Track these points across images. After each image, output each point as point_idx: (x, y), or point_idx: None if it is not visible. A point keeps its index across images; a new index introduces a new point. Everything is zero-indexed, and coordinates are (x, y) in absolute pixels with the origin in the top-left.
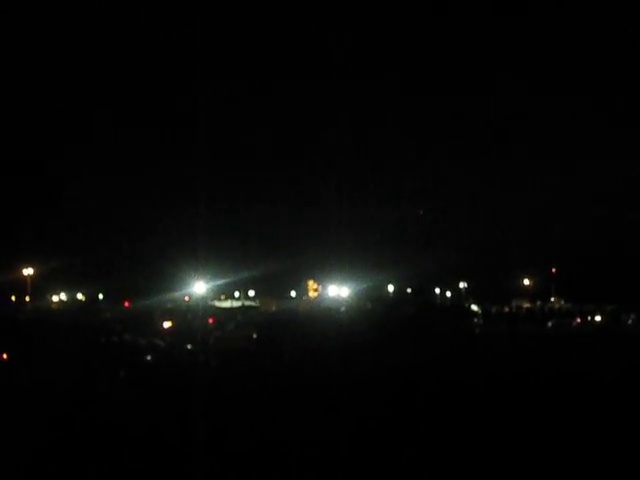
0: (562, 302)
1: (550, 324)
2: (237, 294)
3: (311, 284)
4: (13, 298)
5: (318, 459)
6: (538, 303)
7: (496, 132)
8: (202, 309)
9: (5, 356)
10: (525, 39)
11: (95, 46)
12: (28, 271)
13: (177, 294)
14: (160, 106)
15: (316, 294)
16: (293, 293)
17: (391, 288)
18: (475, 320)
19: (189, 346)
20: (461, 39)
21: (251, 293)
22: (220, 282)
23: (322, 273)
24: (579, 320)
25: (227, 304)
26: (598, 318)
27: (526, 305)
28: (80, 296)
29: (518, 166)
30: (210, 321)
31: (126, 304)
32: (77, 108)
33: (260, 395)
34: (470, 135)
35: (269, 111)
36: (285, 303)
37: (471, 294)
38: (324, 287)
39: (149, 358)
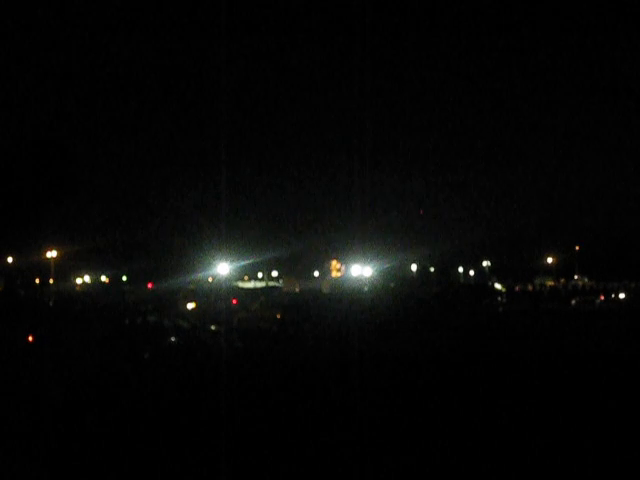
0: (585, 280)
1: (574, 302)
2: (260, 275)
3: (334, 264)
4: (37, 281)
5: (340, 440)
6: (561, 281)
7: (519, 111)
8: (225, 290)
9: (30, 338)
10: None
11: (114, 35)
12: (52, 254)
13: (200, 275)
14: (181, 86)
15: (339, 274)
16: (316, 273)
17: (414, 267)
18: (499, 299)
19: (213, 327)
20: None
21: (274, 274)
22: (243, 263)
23: (345, 253)
24: (602, 298)
25: (250, 285)
26: (622, 296)
27: (549, 283)
28: (104, 278)
29: (543, 144)
30: (234, 302)
31: (149, 286)
32: (97, 91)
33: (284, 376)
34: (492, 112)
35: (295, 92)
36: (308, 283)
37: (494, 273)
38: (347, 267)
39: (173, 339)
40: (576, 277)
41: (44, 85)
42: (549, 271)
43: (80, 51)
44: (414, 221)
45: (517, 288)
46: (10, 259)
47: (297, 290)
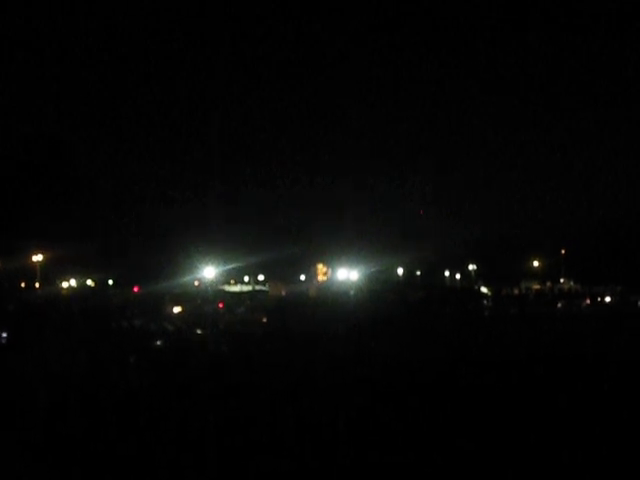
0: (572, 283)
1: (560, 305)
2: (247, 278)
3: (320, 268)
4: (22, 284)
5: (326, 443)
6: (548, 284)
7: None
8: (212, 294)
9: (13, 342)
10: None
11: (116, 37)
12: (37, 257)
13: (187, 279)
14: (175, 93)
15: (325, 278)
16: (303, 277)
17: (400, 271)
18: (485, 302)
19: (199, 331)
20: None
21: (260, 277)
22: (229, 267)
23: (331, 257)
24: (589, 301)
25: (237, 288)
26: (608, 299)
27: (536, 287)
28: (90, 282)
29: (529, 148)
30: (220, 306)
31: (135, 289)
32: (91, 95)
33: (271, 379)
34: (481, 118)
35: (282, 99)
36: (295, 287)
37: (480, 276)
38: (333, 271)
39: (159, 343)
40: (562, 281)
41: (37, 87)
42: (535, 274)
43: (82, 50)
44: (400, 225)
45: (503, 292)
46: None
47: (283, 294)
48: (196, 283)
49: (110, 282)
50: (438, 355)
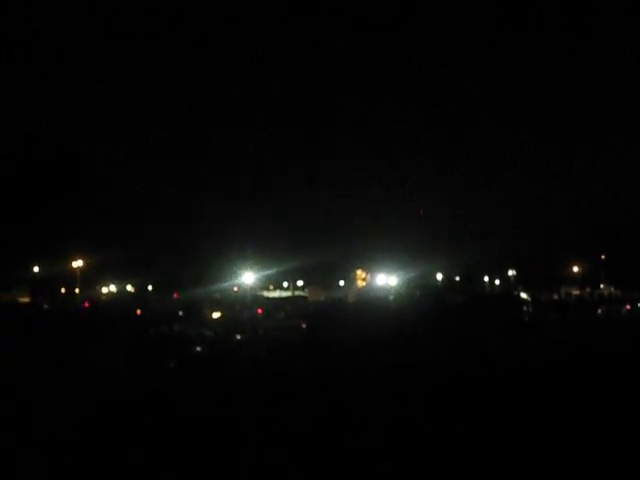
0: (612, 289)
1: (600, 311)
2: (285, 284)
3: (359, 273)
4: (63, 290)
5: (364, 450)
6: (587, 290)
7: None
8: (251, 299)
9: (56, 350)
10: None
11: (130, 41)
12: (77, 263)
13: (226, 285)
14: (205, 94)
15: (364, 283)
16: (342, 282)
17: (439, 276)
18: (525, 308)
19: (238, 337)
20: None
21: (299, 283)
22: (268, 272)
23: (370, 262)
24: (629, 307)
25: (276, 294)
26: None
27: (575, 292)
28: (130, 287)
29: (569, 152)
30: (259, 311)
31: (175, 295)
32: (120, 102)
33: (310, 386)
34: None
35: (317, 104)
36: (334, 292)
37: (520, 282)
38: (372, 276)
39: (198, 349)
40: (602, 286)
41: (67, 98)
42: (575, 280)
43: (99, 57)
44: (440, 230)
45: (543, 297)
46: (36, 268)
47: (322, 299)
48: (235, 289)
49: (150, 287)
50: (479, 360)
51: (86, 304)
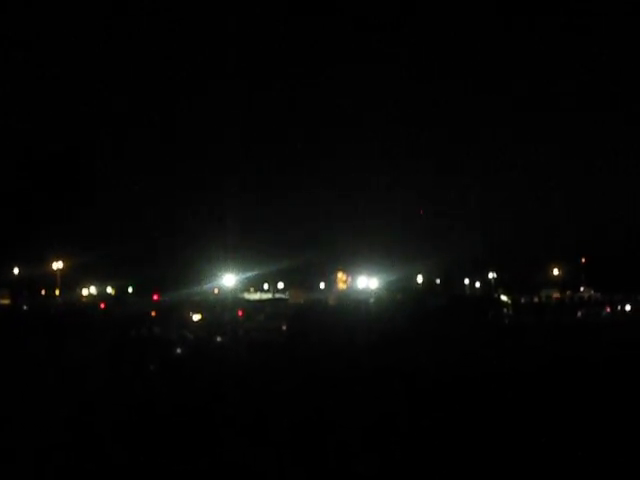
0: (592, 292)
1: (580, 314)
2: (266, 286)
3: (340, 276)
4: (43, 292)
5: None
6: (568, 293)
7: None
8: (231, 301)
9: (34, 351)
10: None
11: (131, 48)
12: (57, 265)
13: (206, 287)
14: (191, 102)
15: (345, 286)
16: (322, 285)
17: (420, 279)
18: (505, 310)
19: (219, 339)
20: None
21: (280, 285)
22: (249, 274)
23: (351, 265)
24: (609, 310)
25: (256, 296)
26: (628, 307)
27: (555, 295)
28: (110, 289)
29: (547, 156)
30: (239, 313)
31: (155, 297)
32: (110, 102)
33: (289, 388)
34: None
35: (302, 104)
36: (314, 295)
37: (500, 285)
38: (353, 279)
39: (179, 351)
40: (582, 289)
41: (57, 95)
42: (555, 283)
43: (99, 62)
44: (420, 232)
45: (523, 300)
46: (16, 270)
47: (302, 302)
48: (215, 291)
49: (130, 289)
50: (460, 364)
51: (102, 305)
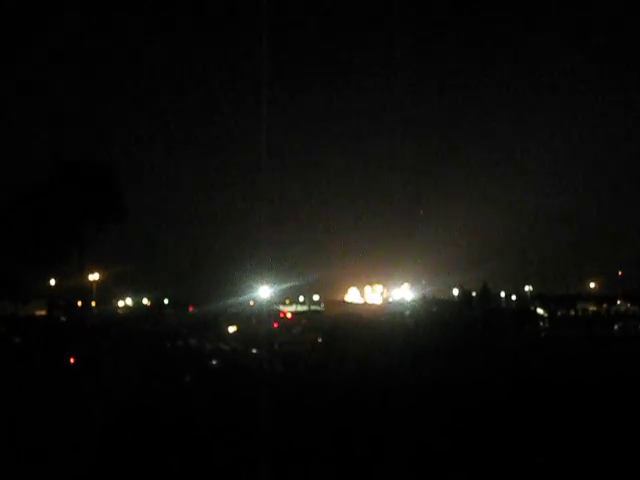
0: (628, 305)
1: (616, 327)
2: (302, 298)
3: (376, 288)
4: (79, 303)
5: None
6: (604, 306)
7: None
8: (267, 313)
9: (72, 360)
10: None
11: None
12: (94, 276)
13: (242, 298)
14: (225, 110)
15: (381, 298)
16: (358, 297)
17: (456, 292)
18: (541, 324)
19: (254, 350)
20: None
21: (315, 297)
22: (285, 286)
23: (387, 277)
24: None
25: (292, 308)
26: None
27: (592, 308)
28: (145, 301)
29: (589, 168)
30: (275, 325)
31: (191, 309)
32: (143, 115)
33: (326, 401)
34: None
35: (336, 115)
36: (350, 307)
37: (537, 298)
38: (389, 291)
39: (214, 363)
40: (619, 302)
41: (88, 109)
42: (592, 296)
43: (130, 78)
44: (457, 245)
45: (559, 313)
46: (52, 281)
47: (339, 313)
48: (251, 303)
49: (166, 301)
50: (499, 378)
51: (190, 308)
